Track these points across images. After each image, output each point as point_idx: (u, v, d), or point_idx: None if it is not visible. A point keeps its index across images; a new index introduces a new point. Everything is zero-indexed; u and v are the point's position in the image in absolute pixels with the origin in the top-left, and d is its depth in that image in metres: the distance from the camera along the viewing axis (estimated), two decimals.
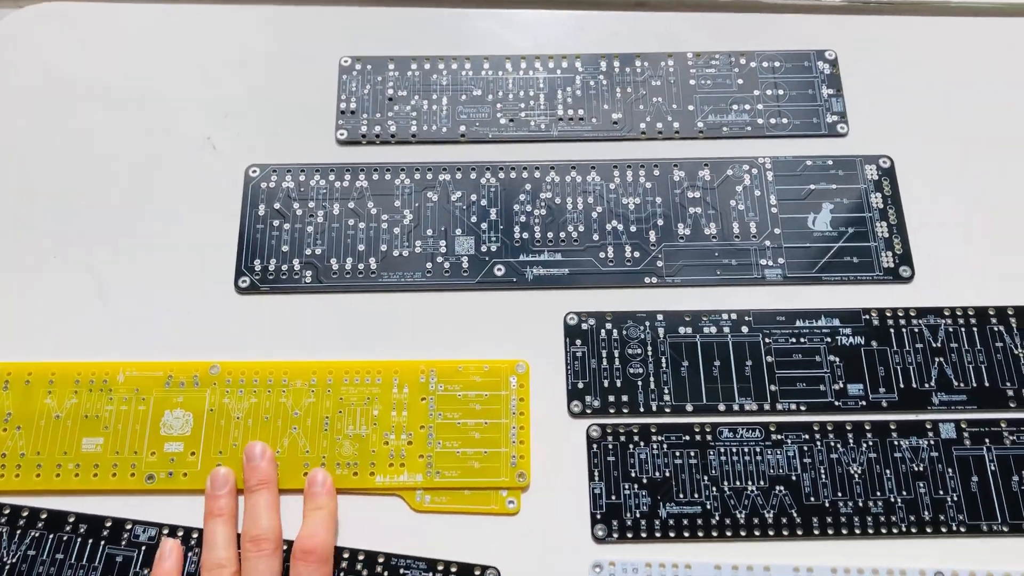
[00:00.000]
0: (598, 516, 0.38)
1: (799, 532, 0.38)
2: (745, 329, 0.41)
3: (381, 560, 0.37)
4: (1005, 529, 0.38)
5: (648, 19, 0.49)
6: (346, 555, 0.37)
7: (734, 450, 0.39)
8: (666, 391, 0.40)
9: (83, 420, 0.39)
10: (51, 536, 0.38)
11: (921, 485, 0.38)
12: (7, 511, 0.38)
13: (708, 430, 0.39)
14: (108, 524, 0.38)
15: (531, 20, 0.49)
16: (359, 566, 0.37)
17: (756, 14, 0.49)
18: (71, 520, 0.38)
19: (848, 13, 0.49)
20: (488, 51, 0.47)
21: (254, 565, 0.35)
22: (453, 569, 0.37)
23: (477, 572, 0.37)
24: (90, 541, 0.37)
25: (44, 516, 0.38)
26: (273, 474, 0.38)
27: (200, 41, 0.48)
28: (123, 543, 0.37)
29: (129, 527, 0.38)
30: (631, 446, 0.39)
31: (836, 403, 0.40)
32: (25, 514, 0.38)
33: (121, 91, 0.47)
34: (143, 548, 0.37)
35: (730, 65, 0.47)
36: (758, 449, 0.39)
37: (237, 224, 0.43)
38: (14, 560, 0.37)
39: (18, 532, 0.38)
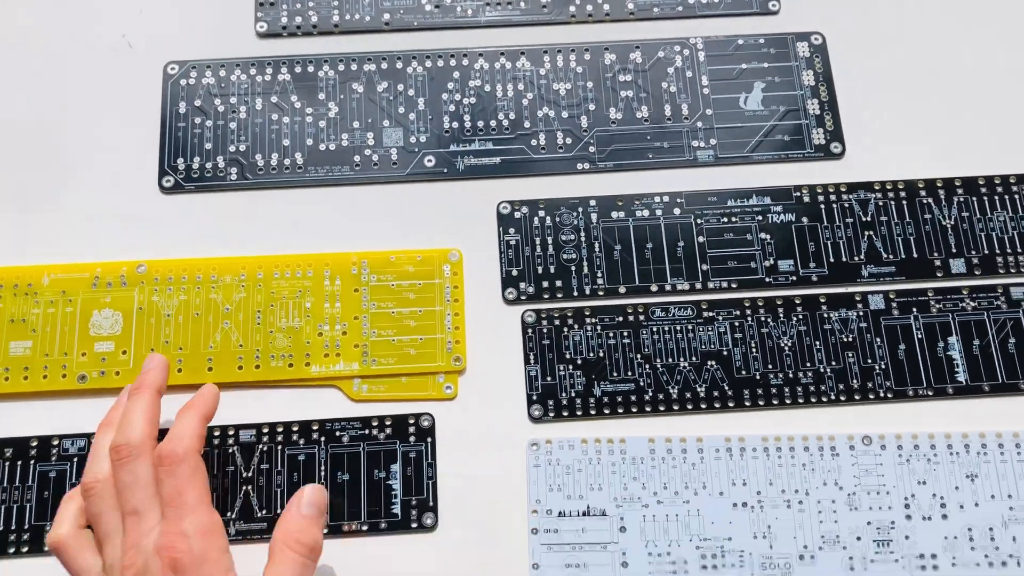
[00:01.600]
0: (534, 397, 0.38)
1: (731, 404, 0.38)
2: (677, 211, 0.41)
3: (315, 427, 0.37)
4: (930, 393, 0.39)
5: None
6: (280, 428, 0.37)
7: (666, 328, 0.39)
8: (599, 275, 0.40)
9: (9, 324, 0.39)
10: None
11: (850, 355, 0.39)
12: None
13: (641, 311, 0.40)
14: (34, 444, 0.37)
15: None
16: (295, 436, 0.37)
17: None
18: None
19: None
20: None
21: (117, 476, 0.32)
22: (388, 422, 0.37)
23: (412, 420, 0.37)
24: (19, 463, 0.37)
25: None
26: (159, 381, 0.35)
27: None
28: (53, 458, 0.37)
29: (56, 442, 0.37)
30: (565, 329, 0.39)
31: (767, 279, 0.40)
32: None
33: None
34: (75, 460, 0.37)
35: None
36: (690, 327, 0.40)
37: (158, 123, 0.42)
38: None
39: None
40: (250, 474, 0.37)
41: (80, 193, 0.41)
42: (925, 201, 0.41)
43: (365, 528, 0.36)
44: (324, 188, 0.41)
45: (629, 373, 0.39)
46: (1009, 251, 0.41)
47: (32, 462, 0.37)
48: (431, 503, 0.37)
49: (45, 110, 0.42)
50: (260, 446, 0.37)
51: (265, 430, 0.37)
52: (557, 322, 0.39)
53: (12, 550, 0.36)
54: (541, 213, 0.41)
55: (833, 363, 0.39)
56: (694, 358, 0.39)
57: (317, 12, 0.44)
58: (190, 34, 0.44)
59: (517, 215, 0.41)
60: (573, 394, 0.38)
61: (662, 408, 0.38)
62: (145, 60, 0.43)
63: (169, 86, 0.43)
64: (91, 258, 0.40)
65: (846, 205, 0.41)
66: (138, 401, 0.34)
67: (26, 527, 0.36)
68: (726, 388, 0.39)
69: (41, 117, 0.42)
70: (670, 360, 0.39)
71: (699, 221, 0.41)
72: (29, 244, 0.40)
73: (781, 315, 0.40)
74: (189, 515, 0.31)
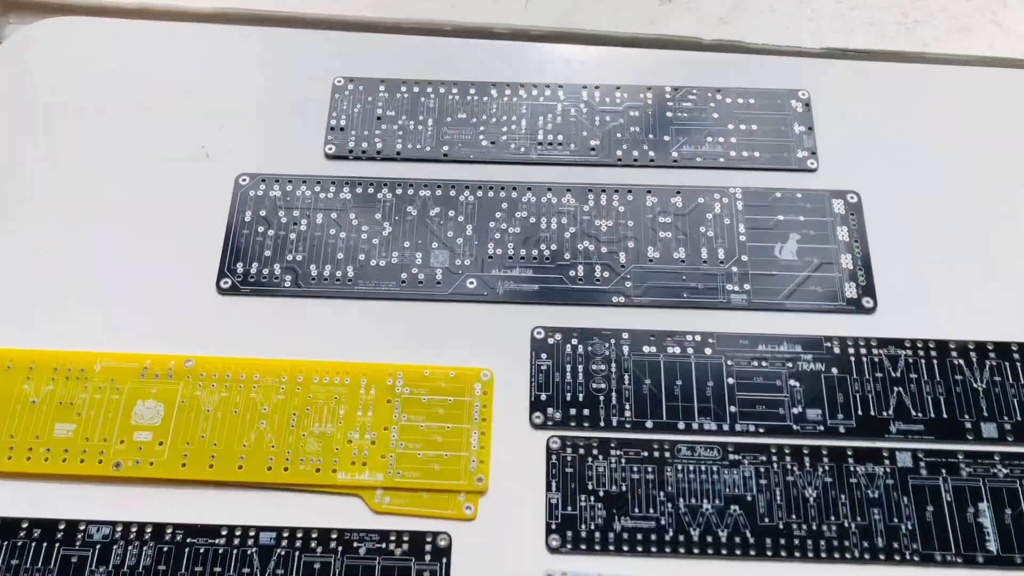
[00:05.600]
0: (553, 527, 0.38)
1: (752, 552, 0.38)
2: (708, 351, 0.42)
3: (334, 536, 0.38)
4: (959, 560, 0.38)
5: (634, 55, 0.51)
6: (299, 534, 0.37)
7: (691, 468, 0.40)
8: (627, 407, 0.41)
9: (57, 407, 0.40)
10: (4, 543, 0.38)
11: (875, 512, 0.39)
12: None
13: (667, 447, 0.40)
14: (62, 527, 0.38)
15: (517, 52, 0.51)
16: (313, 544, 0.37)
17: (741, 55, 0.51)
18: (24, 526, 0.38)
19: (825, 57, 0.51)
20: (475, 78, 0.49)
21: None
22: (405, 537, 0.38)
23: (428, 539, 0.38)
24: (44, 544, 0.38)
25: None
26: None
27: (201, 58, 0.50)
28: (77, 543, 0.38)
29: (83, 527, 0.38)
30: (590, 459, 0.40)
31: (794, 427, 0.40)
32: None
33: (125, 102, 0.49)
34: (98, 547, 0.38)
35: (707, 100, 0.49)
36: (715, 468, 0.40)
37: (224, 229, 0.45)
38: None
39: None
40: None
41: (141, 286, 0.43)
42: (956, 362, 0.42)
43: None
44: (370, 301, 0.43)
45: (651, 510, 0.39)
46: None
47: (57, 545, 0.38)
48: None
49: (123, 209, 0.46)
50: (279, 550, 0.37)
51: (285, 534, 0.38)
52: (582, 451, 0.40)
53: None
54: (574, 341, 0.42)
55: (858, 519, 0.38)
56: (718, 501, 0.39)
57: (383, 140, 0.47)
58: (263, 150, 0.47)
59: (551, 341, 0.42)
60: (593, 527, 0.38)
61: (682, 550, 0.38)
62: (220, 170, 0.47)
63: (239, 195, 0.46)
64: (144, 349, 0.42)
65: (876, 360, 0.42)
66: None
67: None
68: (748, 535, 0.38)
69: (119, 215, 0.45)
70: (693, 501, 0.39)
71: (729, 363, 0.42)
72: (86, 330, 0.42)
73: (807, 464, 0.40)
74: None
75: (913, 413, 0.41)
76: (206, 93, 0.49)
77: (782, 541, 0.38)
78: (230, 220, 0.45)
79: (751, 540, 0.38)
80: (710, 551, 0.38)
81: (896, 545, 0.38)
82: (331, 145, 0.47)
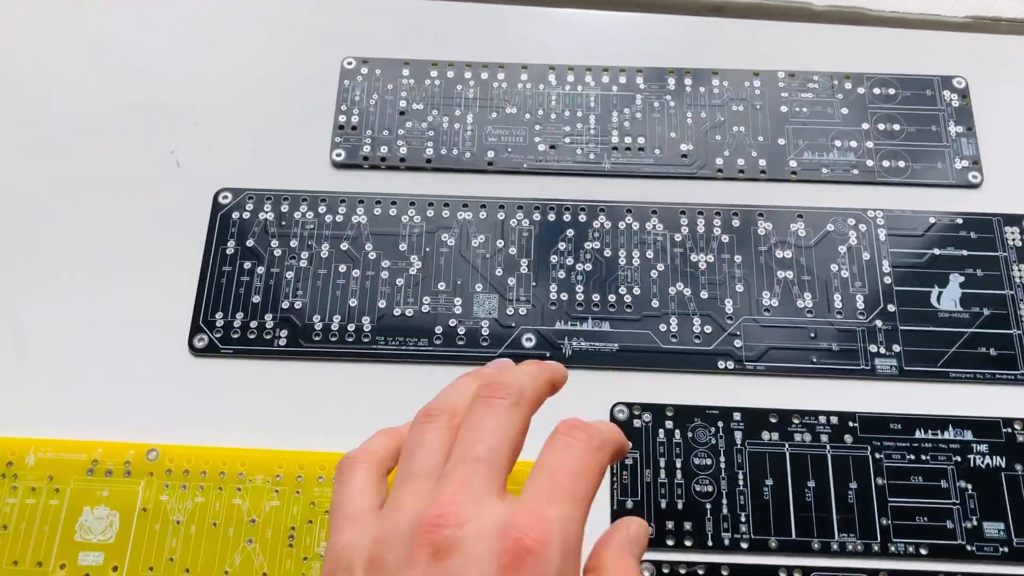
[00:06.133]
0: None
1: None
2: (849, 438, 0.31)
3: None
4: None
5: (729, 27, 0.39)
6: None
7: None
8: (743, 519, 0.30)
9: None
10: None
11: None
12: None
13: None
14: None
15: (582, 22, 0.39)
16: None
17: (864, 27, 0.39)
18: None
19: (979, 31, 0.39)
20: (527, 59, 0.38)
21: (478, 414, 0.22)
22: None
23: None
24: None
25: None
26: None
27: (170, 32, 0.39)
28: None
29: None
30: None
31: (968, 547, 0.30)
32: None
33: (70, 91, 0.37)
34: None
35: (832, 89, 0.37)
36: None
37: (198, 265, 0.34)
38: None
39: None
40: None
41: (89, 348, 0.33)
42: None
43: None
44: (394, 365, 0.33)
45: None
46: None
47: None
48: None
49: (66, 236, 0.35)
50: None
51: None
52: None
53: None
54: (669, 424, 0.32)
55: None
56: None
57: (407, 143, 0.36)
58: (250, 156, 0.36)
59: (637, 424, 0.32)
60: None
61: None
62: (194, 184, 0.35)
63: (219, 219, 0.35)
64: (93, 431, 0.31)
65: None
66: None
67: None
68: None
69: (60, 245, 0.34)
70: None
71: (878, 456, 0.31)
72: (15, 408, 0.32)
73: None
74: (564, 500, 0.20)
75: None
76: (175, 79, 0.38)
77: None
78: (207, 253, 0.34)
79: None
80: None
81: None
82: (340, 150, 0.36)
